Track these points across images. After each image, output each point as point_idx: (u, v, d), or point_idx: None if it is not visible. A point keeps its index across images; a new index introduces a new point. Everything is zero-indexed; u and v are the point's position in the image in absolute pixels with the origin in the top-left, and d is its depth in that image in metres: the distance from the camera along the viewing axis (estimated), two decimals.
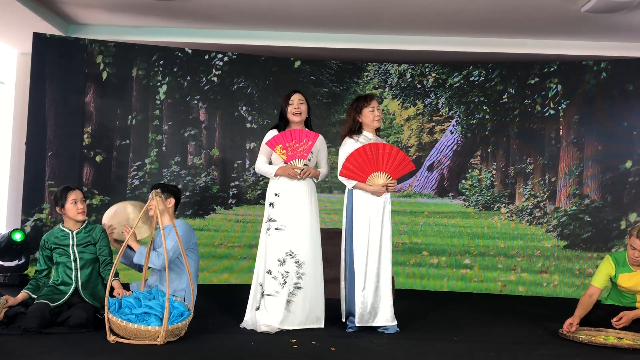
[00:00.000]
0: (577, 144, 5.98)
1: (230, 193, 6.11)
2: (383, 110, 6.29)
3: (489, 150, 6.22)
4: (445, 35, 5.86)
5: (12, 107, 6.32)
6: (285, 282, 3.90)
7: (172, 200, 4.07)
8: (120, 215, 4.11)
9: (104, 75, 5.80)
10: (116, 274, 3.82)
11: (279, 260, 3.92)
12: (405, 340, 3.74)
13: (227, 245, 6.02)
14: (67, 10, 5.55)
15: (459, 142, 6.26)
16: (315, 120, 5.62)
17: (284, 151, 3.99)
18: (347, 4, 5.12)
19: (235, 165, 6.13)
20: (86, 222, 3.97)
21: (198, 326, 3.80)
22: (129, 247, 3.99)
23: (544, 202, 6.02)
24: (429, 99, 6.30)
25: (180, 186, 5.81)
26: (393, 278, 5.25)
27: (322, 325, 3.98)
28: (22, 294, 3.81)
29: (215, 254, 5.96)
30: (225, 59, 6.08)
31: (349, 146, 4.01)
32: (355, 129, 4.07)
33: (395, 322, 3.96)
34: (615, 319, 3.95)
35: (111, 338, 3.41)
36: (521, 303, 5.40)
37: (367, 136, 4.09)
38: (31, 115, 5.57)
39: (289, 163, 4.00)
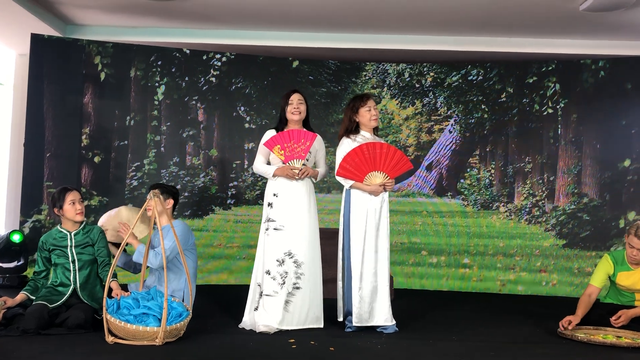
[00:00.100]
0: (576, 143, 5.98)
1: (229, 193, 6.10)
2: (381, 110, 6.29)
3: (488, 149, 6.22)
4: (443, 34, 5.86)
5: (10, 108, 6.31)
6: (284, 283, 3.90)
7: (170, 201, 4.07)
8: (115, 219, 4.11)
9: (102, 76, 5.80)
10: (114, 275, 3.82)
11: (277, 261, 3.92)
12: (404, 340, 3.74)
13: (226, 245, 6.02)
14: (64, 11, 5.55)
15: (458, 141, 6.26)
16: (314, 120, 5.62)
17: (282, 152, 3.99)
18: (345, 3, 5.12)
19: (234, 165, 6.13)
20: (84, 223, 3.96)
21: (197, 327, 3.80)
22: (124, 250, 3.99)
23: (543, 201, 6.02)
24: (427, 99, 6.30)
25: (178, 187, 5.81)
26: (392, 278, 5.25)
27: (322, 325, 3.98)
28: (21, 295, 3.81)
29: (214, 254, 5.96)
30: (224, 59, 6.08)
31: (346, 146, 4.01)
32: (352, 129, 4.07)
33: (394, 322, 3.96)
34: (614, 318, 3.95)
35: (109, 339, 3.41)
36: (520, 302, 5.40)
37: (365, 136, 4.09)
38: (29, 116, 5.57)
39: (287, 163, 3.99)
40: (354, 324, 3.90)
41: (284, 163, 4.00)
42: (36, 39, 5.56)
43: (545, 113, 6.06)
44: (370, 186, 3.96)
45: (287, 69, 6.22)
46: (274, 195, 4.01)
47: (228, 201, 6.10)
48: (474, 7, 5.12)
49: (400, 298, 5.28)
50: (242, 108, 6.16)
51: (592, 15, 5.14)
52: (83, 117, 5.75)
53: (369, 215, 3.96)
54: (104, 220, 4.18)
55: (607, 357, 3.44)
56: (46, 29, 5.57)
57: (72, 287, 3.82)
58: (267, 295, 3.90)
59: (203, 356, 3.26)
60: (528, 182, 6.07)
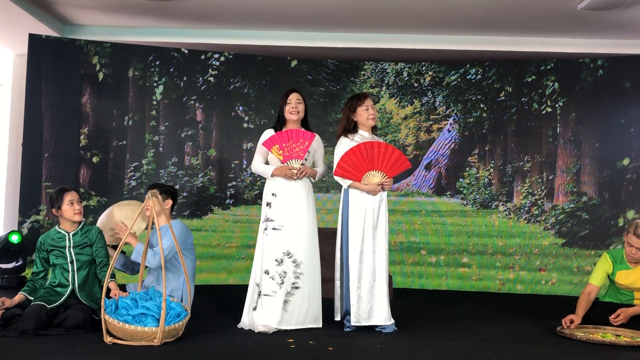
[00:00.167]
0: (575, 142, 5.98)
1: (228, 193, 6.10)
2: (380, 109, 6.29)
3: (487, 148, 6.21)
4: (442, 33, 5.85)
5: (8, 109, 6.31)
6: (282, 282, 3.90)
7: (169, 202, 4.06)
8: (108, 222, 4.09)
9: (100, 76, 5.79)
10: (113, 275, 3.81)
11: (276, 260, 3.92)
12: (403, 340, 3.73)
13: (224, 245, 6.01)
14: (62, 11, 5.54)
15: (457, 140, 6.26)
16: (312, 120, 5.61)
17: (281, 151, 3.98)
18: (343, 3, 5.11)
19: (233, 165, 6.12)
20: (82, 223, 3.95)
21: (195, 327, 3.79)
22: (122, 252, 3.98)
23: (542, 200, 6.02)
24: (426, 98, 6.30)
25: (177, 187, 5.80)
26: (391, 277, 5.25)
27: (320, 325, 3.97)
28: (19, 296, 3.81)
29: (213, 254, 5.95)
30: (222, 59, 6.08)
31: (344, 145, 4.00)
32: (350, 128, 4.07)
33: (392, 321, 3.95)
34: (613, 316, 3.95)
35: (108, 339, 3.40)
36: (519, 301, 5.40)
37: (363, 135, 4.09)
38: (27, 116, 5.56)
39: (285, 163, 3.99)
40: (353, 324, 3.90)
41: (282, 163, 4.00)
42: (34, 39, 5.55)
43: (544, 112, 6.06)
44: (368, 186, 3.95)
45: (285, 68, 6.22)
46: (273, 195, 4.01)
47: (227, 201, 6.09)
48: (472, 6, 5.11)
49: (400, 297, 5.28)
50: (241, 108, 6.16)
51: (591, 14, 5.14)
52: (81, 117, 5.74)
53: (367, 215, 3.95)
54: (99, 225, 4.16)
55: (607, 355, 3.44)
56: (44, 29, 5.57)
57: (70, 287, 3.82)
58: (265, 295, 3.90)
59: (202, 356, 3.26)
60: (527, 181, 6.07)
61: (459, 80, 6.23)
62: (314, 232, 4.04)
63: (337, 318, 4.04)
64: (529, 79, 6.08)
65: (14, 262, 5.24)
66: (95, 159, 5.76)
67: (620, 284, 4.12)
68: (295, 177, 3.97)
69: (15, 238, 5.24)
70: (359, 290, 3.91)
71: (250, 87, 6.15)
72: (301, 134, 4.00)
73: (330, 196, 6.13)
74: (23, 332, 3.48)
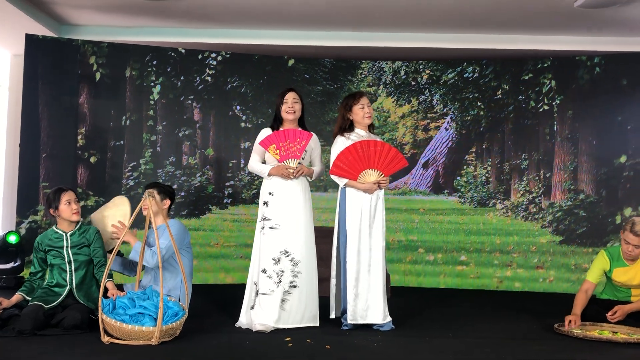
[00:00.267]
0: (572, 139, 5.99)
1: (226, 192, 6.10)
2: (377, 107, 6.29)
3: (484, 146, 6.22)
4: (438, 31, 5.86)
5: (5, 109, 6.30)
6: (280, 281, 3.90)
7: (167, 202, 4.07)
8: (102, 224, 4.07)
9: (97, 76, 5.79)
10: (110, 275, 3.81)
11: (273, 259, 3.92)
12: (401, 338, 3.74)
13: (223, 244, 6.01)
14: (59, 11, 5.53)
15: (454, 138, 6.26)
16: (310, 119, 5.62)
17: (278, 151, 3.98)
18: (340, 1, 5.11)
19: (230, 164, 6.13)
20: (80, 223, 3.95)
21: (193, 326, 3.80)
22: (119, 253, 3.99)
23: (539, 198, 6.03)
24: (423, 96, 6.30)
25: (175, 186, 5.80)
26: (389, 275, 5.26)
27: (318, 324, 3.98)
28: (17, 296, 3.81)
29: (211, 253, 5.96)
30: (219, 58, 6.08)
31: (340, 144, 4.01)
32: (346, 127, 4.07)
33: (390, 320, 3.95)
34: (610, 313, 3.96)
35: (105, 339, 3.41)
36: (517, 299, 5.41)
37: (360, 133, 4.09)
38: (24, 117, 5.56)
39: (282, 163, 3.99)
40: (350, 322, 3.90)
41: (279, 162, 4.00)
42: (31, 40, 5.54)
43: (541, 110, 6.07)
44: (364, 184, 3.96)
45: (282, 67, 6.22)
46: (270, 194, 4.01)
47: (225, 200, 6.09)
48: (469, 5, 5.12)
49: (398, 296, 5.28)
50: (238, 107, 6.16)
51: (587, 12, 5.14)
52: (78, 117, 5.74)
53: (363, 213, 3.96)
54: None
55: (604, 352, 3.45)
56: (41, 30, 5.56)
57: (68, 287, 3.82)
58: (263, 294, 3.90)
59: (199, 355, 3.26)
60: (524, 179, 6.08)
61: (456, 78, 6.23)
62: (311, 231, 4.04)
63: (332, 316, 4.05)
64: (526, 77, 6.09)
65: (12, 263, 5.24)
66: (92, 159, 5.77)
67: (617, 281, 4.13)
68: (291, 177, 3.98)
69: (13, 238, 5.24)
70: (356, 289, 3.91)
71: (248, 86, 6.15)
72: (298, 133, 4.00)
73: (328, 195, 6.13)
74: (20, 332, 3.48)
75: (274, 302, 3.87)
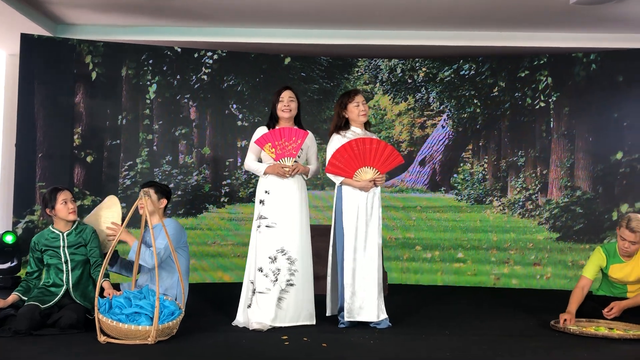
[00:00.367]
0: (568, 136, 6.00)
1: (223, 191, 6.10)
2: (374, 105, 6.29)
3: (481, 143, 6.22)
4: (435, 29, 5.85)
5: (1, 109, 6.29)
6: (276, 280, 3.90)
7: (164, 201, 4.07)
8: (97, 226, 4.06)
9: (93, 75, 5.78)
10: (107, 275, 3.81)
11: (269, 258, 3.92)
12: (397, 335, 3.74)
13: (220, 243, 6.01)
14: (54, 11, 5.52)
15: (451, 136, 6.26)
16: (306, 117, 5.62)
17: (273, 150, 3.98)
18: None
19: (227, 163, 6.12)
20: (77, 222, 3.95)
21: (190, 325, 3.80)
22: (117, 254, 3.98)
23: (536, 195, 6.03)
24: (419, 94, 6.30)
25: (172, 185, 5.80)
26: (386, 273, 5.26)
27: (314, 322, 3.99)
28: (13, 296, 3.80)
29: (208, 252, 5.96)
30: (215, 57, 6.07)
31: (336, 142, 4.01)
32: (342, 125, 4.07)
33: (387, 317, 3.95)
34: (606, 310, 3.97)
35: (102, 338, 3.40)
36: (514, 296, 5.42)
37: (356, 131, 4.09)
38: (20, 116, 5.55)
39: (278, 161, 3.99)
40: (346, 319, 3.91)
41: (275, 161, 4.00)
42: (26, 39, 5.53)
43: (537, 107, 6.07)
44: (360, 182, 3.96)
45: (279, 66, 6.21)
46: (266, 192, 4.01)
47: (221, 199, 6.09)
48: (465, 2, 5.12)
49: (395, 293, 5.29)
50: (235, 106, 6.15)
51: (583, 9, 5.14)
52: (75, 116, 5.73)
53: (360, 211, 3.96)
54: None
55: (600, 348, 3.46)
56: (36, 29, 5.55)
57: (64, 287, 3.81)
58: (259, 292, 3.90)
59: (196, 354, 3.26)
60: (521, 176, 6.08)
61: (452, 76, 6.23)
62: (307, 229, 4.04)
63: (328, 314, 4.05)
64: (522, 74, 6.09)
65: (9, 263, 5.23)
66: (89, 159, 5.76)
67: (613, 277, 4.14)
68: (287, 175, 3.98)
69: (9, 238, 5.23)
70: (353, 287, 3.92)
71: (244, 84, 6.15)
72: (294, 132, 4.00)
73: (325, 193, 6.13)
74: (16, 332, 3.47)
75: (271, 300, 3.87)
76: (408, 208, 6.23)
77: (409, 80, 6.30)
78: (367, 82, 6.35)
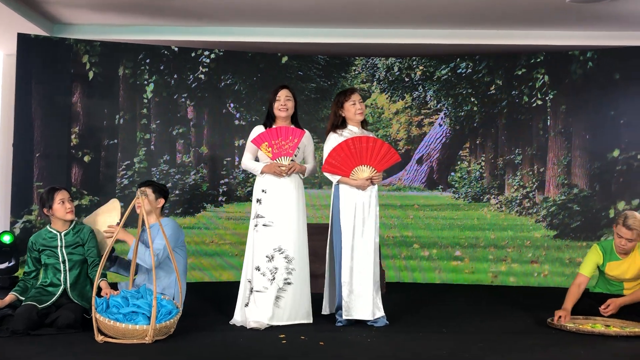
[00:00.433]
0: (565, 134, 6.01)
1: (220, 190, 6.10)
2: (371, 104, 6.30)
3: (478, 142, 6.23)
4: (431, 27, 5.85)
5: None
6: (273, 278, 3.91)
7: (161, 201, 4.06)
8: (96, 228, 4.06)
9: (91, 74, 5.78)
10: (104, 275, 3.82)
11: (267, 257, 3.93)
12: (395, 334, 3.75)
13: (218, 242, 6.02)
14: (51, 10, 5.52)
15: (448, 134, 6.27)
16: (303, 116, 5.64)
17: (270, 149, 3.98)
18: None
19: (225, 162, 6.13)
20: (74, 222, 3.95)
21: (187, 324, 3.80)
22: (113, 253, 3.99)
23: (533, 193, 6.04)
24: (417, 92, 6.31)
25: (169, 185, 5.80)
26: (384, 271, 5.27)
27: (311, 320, 3.99)
28: (10, 296, 3.80)
29: (207, 251, 5.96)
30: (212, 56, 6.07)
31: (332, 141, 4.02)
32: (339, 124, 4.08)
33: (383, 315, 3.96)
34: (603, 307, 3.98)
35: (99, 338, 3.41)
36: (512, 293, 5.43)
37: (352, 130, 4.10)
38: (18, 116, 5.55)
39: (275, 160, 3.99)
40: (344, 318, 3.91)
41: (271, 160, 4.00)
42: (23, 39, 5.53)
43: (534, 105, 6.08)
44: (357, 181, 3.97)
45: (276, 64, 6.21)
46: (263, 191, 4.02)
47: (219, 198, 6.10)
48: (462, 1, 5.12)
49: (393, 292, 5.30)
50: (232, 105, 6.16)
51: (579, 6, 5.15)
52: (72, 116, 5.73)
53: (357, 210, 3.97)
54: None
55: (596, 346, 3.47)
56: (33, 29, 5.54)
57: (62, 287, 3.82)
58: (257, 291, 3.91)
59: (194, 353, 3.27)
60: (518, 174, 6.09)
61: (449, 74, 6.24)
62: (304, 228, 4.05)
63: (326, 312, 4.07)
64: (519, 72, 6.10)
65: (7, 263, 5.23)
66: (86, 158, 5.76)
67: (610, 275, 4.15)
68: (284, 174, 3.98)
69: (7, 238, 5.23)
70: (351, 285, 3.92)
71: (241, 84, 6.15)
72: (290, 131, 4.01)
73: (322, 192, 6.14)
74: (14, 332, 3.47)
75: (268, 299, 3.88)
76: (406, 206, 6.24)
77: (406, 79, 6.31)
78: (365, 80, 6.35)
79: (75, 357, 3.16)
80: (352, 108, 4.05)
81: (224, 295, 4.87)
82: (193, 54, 6.02)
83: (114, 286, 3.80)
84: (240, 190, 6.14)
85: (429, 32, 5.91)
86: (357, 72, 6.36)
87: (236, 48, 6.11)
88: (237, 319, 3.98)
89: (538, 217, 6.01)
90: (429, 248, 6.11)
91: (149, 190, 3.98)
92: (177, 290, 3.87)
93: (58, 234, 3.88)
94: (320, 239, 4.43)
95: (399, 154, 4.05)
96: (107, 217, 4.01)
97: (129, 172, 5.87)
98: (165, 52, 5.97)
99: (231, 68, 6.11)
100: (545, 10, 5.31)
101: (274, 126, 4.07)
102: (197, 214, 6.02)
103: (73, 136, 5.72)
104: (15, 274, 5.26)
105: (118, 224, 3.94)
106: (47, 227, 3.94)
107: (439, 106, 6.28)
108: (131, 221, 4.53)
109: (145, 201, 3.74)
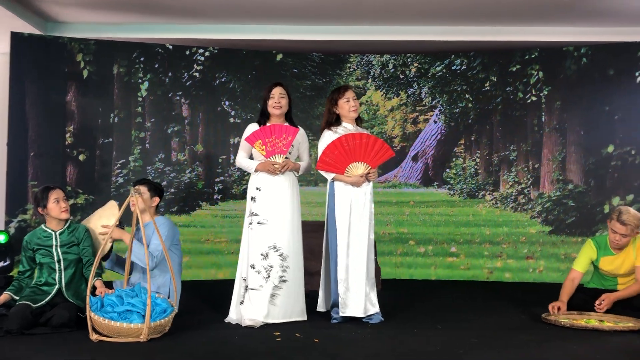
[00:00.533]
0: (560, 130, 6.02)
1: (216, 188, 6.10)
2: (366, 101, 6.30)
3: (473, 138, 6.24)
4: (426, 24, 5.85)
5: None
6: (268, 276, 3.91)
7: (157, 199, 4.06)
8: (94, 231, 4.05)
9: (85, 73, 5.76)
10: (99, 274, 3.81)
11: (262, 255, 3.93)
12: (390, 330, 3.76)
13: (213, 241, 6.02)
14: (45, 9, 5.50)
15: (443, 131, 6.28)
16: (298, 113, 5.63)
17: (264, 147, 3.98)
18: None
19: (220, 160, 6.12)
20: (69, 221, 3.94)
21: (182, 322, 3.80)
22: (111, 250, 3.99)
23: (528, 189, 6.06)
24: (412, 89, 6.31)
25: (164, 183, 5.80)
26: (379, 268, 5.28)
27: (305, 318, 3.99)
28: (4, 296, 3.79)
29: (202, 250, 5.96)
30: (207, 53, 6.06)
31: (327, 138, 4.02)
32: (333, 121, 4.08)
33: (378, 311, 3.96)
34: (597, 302, 3.99)
35: (94, 337, 3.41)
36: (507, 289, 5.44)
37: (347, 127, 4.10)
38: (12, 115, 5.53)
39: (269, 158, 3.99)
40: (340, 315, 3.92)
41: (266, 158, 4.00)
42: (16, 38, 5.51)
43: (529, 101, 6.09)
44: (352, 178, 3.97)
45: (271, 62, 6.21)
46: (257, 189, 4.02)
47: (215, 196, 6.09)
48: None
49: (388, 288, 5.30)
50: (227, 103, 6.15)
51: (574, 3, 5.15)
52: (66, 115, 5.72)
53: (352, 206, 3.97)
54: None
55: (591, 341, 3.48)
56: (26, 27, 5.53)
57: (57, 286, 3.81)
58: (252, 289, 3.91)
59: (188, 351, 3.27)
60: (513, 170, 6.10)
61: (444, 71, 6.24)
62: (298, 226, 4.05)
63: (321, 309, 4.07)
64: (514, 69, 6.10)
65: (1, 262, 5.22)
66: (81, 157, 5.75)
67: (604, 270, 4.16)
68: (278, 172, 3.98)
69: (1, 238, 5.22)
70: (347, 282, 3.92)
71: (236, 81, 6.14)
72: (284, 129, 4.00)
73: (318, 189, 6.14)
74: (8, 332, 3.47)
75: (264, 297, 3.88)
76: (401, 203, 6.24)
77: (401, 76, 6.31)
78: (359, 77, 6.35)
79: (70, 355, 3.15)
80: (346, 105, 4.05)
81: (219, 293, 4.87)
82: (187, 52, 6.01)
83: (109, 285, 3.80)
84: (235, 188, 6.14)
85: (424, 29, 5.91)
86: (352, 70, 6.36)
87: (231, 46, 6.11)
88: (232, 317, 3.98)
89: (533, 213, 6.02)
90: (424, 244, 6.12)
91: (143, 189, 3.98)
92: (172, 288, 3.87)
93: (53, 233, 3.88)
94: (316, 237, 4.44)
95: (394, 151, 4.06)
96: (104, 221, 4.00)
97: (124, 170, 5.86)
98: (160, 50, 5.96)
99: (226, 66, 6.10)
100: (539, 6, 5.31)
101: (268, 124, 4.07)
102: (192, 212, 6.02)
103: (67, 135, 5.71)
104: (10, 274, 5.25)
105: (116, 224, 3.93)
106: (42, 226, 3.93)
107: (433, 103, 6.29)
108: (127, 220, 4.53)
109: (139, 200, 3.73)
